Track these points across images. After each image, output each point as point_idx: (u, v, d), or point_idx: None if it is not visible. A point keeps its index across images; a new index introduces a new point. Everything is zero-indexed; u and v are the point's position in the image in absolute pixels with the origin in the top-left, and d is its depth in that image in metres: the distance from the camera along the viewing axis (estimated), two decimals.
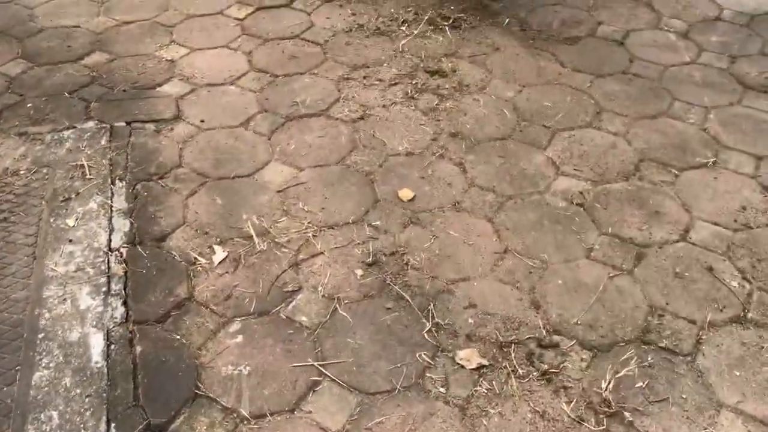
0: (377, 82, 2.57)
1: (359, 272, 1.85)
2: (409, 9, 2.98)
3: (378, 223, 2.01)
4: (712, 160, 2.21)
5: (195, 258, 1.87)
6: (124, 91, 2.49)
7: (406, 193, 2.10)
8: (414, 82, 2.56)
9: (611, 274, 1.86)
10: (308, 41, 2.80)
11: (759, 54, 2.71)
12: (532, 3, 3.01)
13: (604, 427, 1.52)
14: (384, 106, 2.45)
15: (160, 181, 2.11)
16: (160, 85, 2.54)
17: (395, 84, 2.56)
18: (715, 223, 2.00)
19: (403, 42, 2.77)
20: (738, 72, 2.61)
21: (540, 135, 2.32)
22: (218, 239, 1.94)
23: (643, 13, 2.96)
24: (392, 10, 2.97)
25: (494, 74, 2.61)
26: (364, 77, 2.60)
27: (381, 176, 2.17)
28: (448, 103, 2.46)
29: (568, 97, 2.48)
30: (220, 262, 1.86)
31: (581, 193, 2.10)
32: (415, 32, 2.83)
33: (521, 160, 2.22)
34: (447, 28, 2.85)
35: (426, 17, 2.92)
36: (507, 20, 2.89)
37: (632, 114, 2.41)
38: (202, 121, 2.38)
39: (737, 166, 2.20)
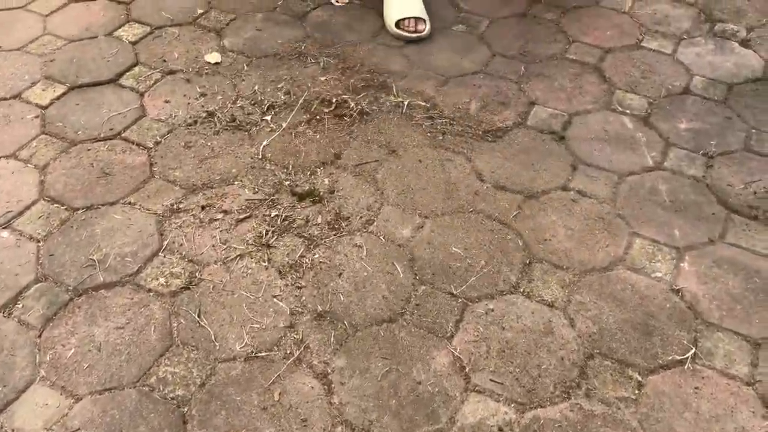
0: (220, 217, 1.81)
1: None
2: (279, 85, 2.20)
3: None
4: (690, 353, 1.52)
5: None
6: None
7: None
8: (273, 216, 1.81)
9: None
10: (132, 143, 2.00)
11: (743, 149, 2.02)
12: (443, 73, 2.26)
13: None
14: (224, 261, 1.70)
15: None
16: None
17: (245, 218, 1.80)
18: None
19: (265, 142, 2.01)
20: (717, 183, 1.92)
21: (444, 311, 1.60)
22: None
23: (590, 84, 2.24)
24: (256, 88, 2.19)
25: (387, 196, 1.87)
26: (203, 207, 1.83)
27: (200, 409, 1.42)
28: (318, 253, 1.72)
29: (486, 237, 1.76)
30: None
31: (501, 430, 1.40)
32: (285, 125, 2.06)
33: (415, 363, 1.50)
34: (327, 118, 2.09)
35: (302, 99, 2.14)
36: (407, 102, 2.14)
37: (576, 266, 1.70)
38: None
39: (726, 362, 1.52)
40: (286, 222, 1.79)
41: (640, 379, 1.48)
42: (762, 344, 1.54)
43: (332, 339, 1.54)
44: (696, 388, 1.47)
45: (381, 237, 1.76)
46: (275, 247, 1.73)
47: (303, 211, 1.82)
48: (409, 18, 2.38)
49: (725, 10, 2.56)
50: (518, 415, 1.42)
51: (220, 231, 1.77)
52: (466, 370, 1.49)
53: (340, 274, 1.67)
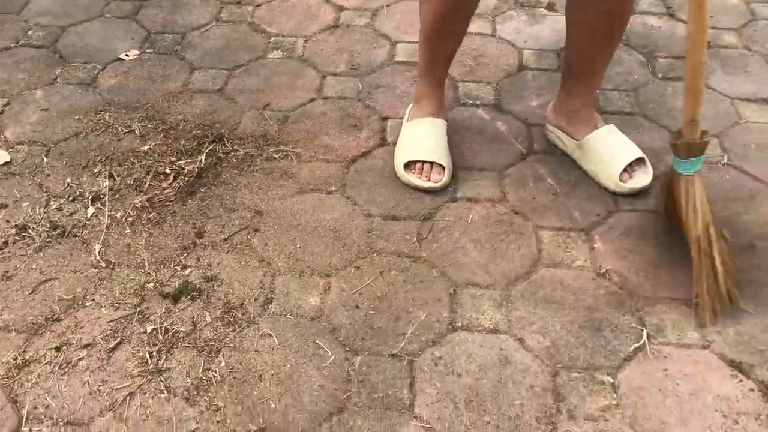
0: (84, 354, 1.43)
1: None
2: (96, 170, 1.82)
3: None
4: (644, 336, 1.46)
5: None
6: None
7: None
8: (150, 331, 1.47)
9: None
10: None
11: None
12: (279, 108, 2.02)
13: None
14: (112, 408, 1.34)
15: None
16: None
17: (117, 346, 1.45)
18: None
19: (104, 243, 1.65)
20: None
21: (392, 378, 1.38)
22: None
23: None
24: (68, 181, 1.79)
25: (275, 265, 1.60)
26: (58, 348, 1.44)
27: None
28: (223, 360, 1.42)
29: (400, 278, 1.57)
30: None
31: None
32: (120, 215, 1.71)
33: None
34: (168, 194, 1.77)
35: (130, 179, 1.79)
36: (252, 151, 1.87)
37: (500, 280, 1.58)
38: None
39: (678, 332, 1.47)
40: (169, 334, 1.47)
41: (612, 380, 1.40)
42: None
43: None
44: (665, 369, 1.42)
45: (288, 315, 1.51)
46: (168, 369, 1.41)
47: (183, 314, 1.51)
48: (422, 161, 1.81)
49: None
50: None
51: (92, 372, 1.41)
52: None
53: (260, 377, 1.40)
